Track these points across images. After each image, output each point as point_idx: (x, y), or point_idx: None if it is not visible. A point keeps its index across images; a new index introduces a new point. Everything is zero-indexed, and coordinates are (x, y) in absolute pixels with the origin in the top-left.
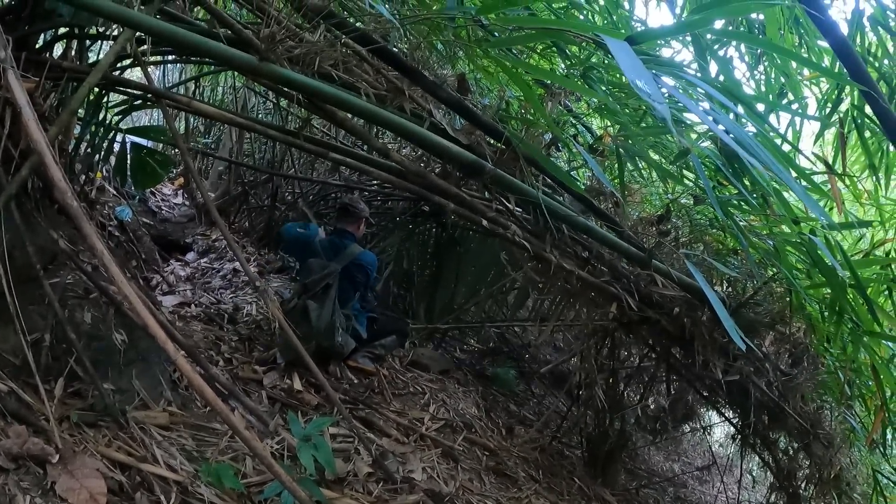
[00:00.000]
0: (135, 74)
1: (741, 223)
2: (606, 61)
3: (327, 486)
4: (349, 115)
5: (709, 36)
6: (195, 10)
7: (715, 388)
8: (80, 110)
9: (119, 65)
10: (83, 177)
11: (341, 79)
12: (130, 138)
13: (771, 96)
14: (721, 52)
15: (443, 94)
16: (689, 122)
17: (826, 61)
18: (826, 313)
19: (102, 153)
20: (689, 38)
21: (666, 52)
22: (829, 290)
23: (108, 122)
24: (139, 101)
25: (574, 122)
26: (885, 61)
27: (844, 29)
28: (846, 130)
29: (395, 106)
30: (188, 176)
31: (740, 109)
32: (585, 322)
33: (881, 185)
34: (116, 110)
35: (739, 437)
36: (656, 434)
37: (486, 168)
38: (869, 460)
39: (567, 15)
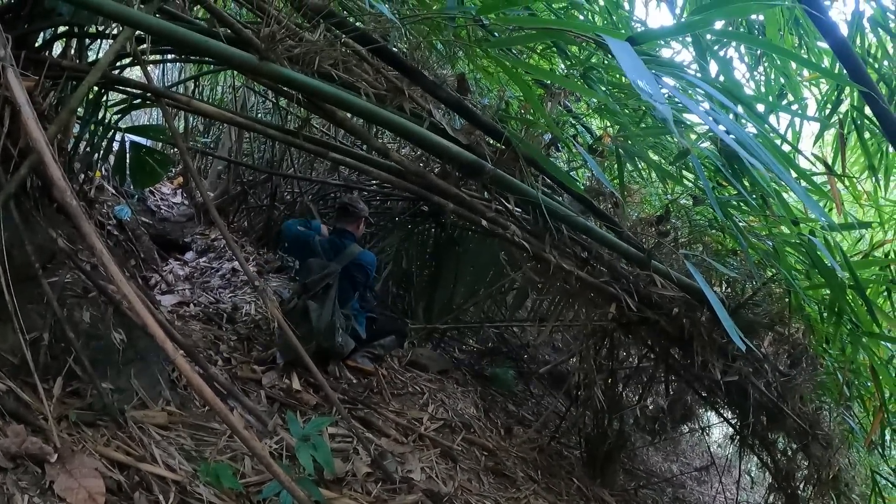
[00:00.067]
0: (134, 73)
1: (740, 224)
2: (606, 62)
3: (326, 485)
4: (349, 115)
5: (709, 36)
6: (195, 9)
7: (714, 389)
8: (79, 109)
9: (118, 64)
10: (82, 176)
11: (341, 78)
12: (130, 137)
13: (771, 97)
14: (721, 53)
15: (442, 94)
16: (688, 122)
17: (826, 62)
18: (825, 314)
19: (101, 152)
20: (689, 39)
21: (666, 53)
22: (828, 291)
23: (107, 120)
24: (138, 100)
25: (574, 122)
26: (885, 62)
27: (844, 30)
28: (846, 131)
29: (394, 106)
30: (187, 175)
31: (740, 110)
32: (584, 322)
33: (880, 186)
34: (116, 109)
35: (738, 437)
36: (655, 434)
37: (486, 168)
38: (867, 461)
39: (567, 15)
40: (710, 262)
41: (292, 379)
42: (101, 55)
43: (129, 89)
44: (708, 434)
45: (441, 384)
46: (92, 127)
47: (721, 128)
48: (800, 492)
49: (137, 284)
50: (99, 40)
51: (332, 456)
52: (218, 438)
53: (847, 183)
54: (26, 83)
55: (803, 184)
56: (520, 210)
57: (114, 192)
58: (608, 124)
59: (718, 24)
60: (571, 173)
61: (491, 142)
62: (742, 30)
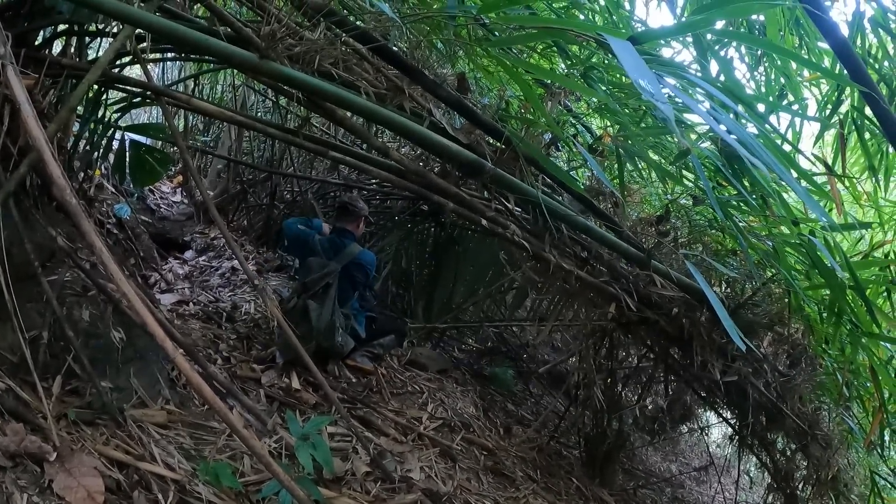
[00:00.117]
0: (134, 72)
1: (740, 224)
2: (607, 61)
3: (325, 485)
4: (349, 114)
5: (709, 36)
6: (195, 7)
7: (713, 389)
8: (79, 107)
9: (118, 62)
10: (82, 174)
11: (341, 77)
12: (129, 136)
13: (771, 97)
14: (721, 53)
15: (443, 93)
16: (689, 122)
17: (826, 63)
18: (825, 314)
19: (101, 150)
20: (689, 39)
21: (666, 53)
22: (828, 292)
23: (107, 119)
24: (138, 99)
25: (574, 121)
26: (886, 63)
27: (845, 31)
28: (846, 132)
29: (394, 105)
30: (187, 174)
31: (741, 109)
32: (584, 322)
33: (880, 186)
34: (115, 108)
35: (737, 437)
36: (654, 434)
37: (486, 167)
38: (866, 462)
39: (568, 14)
40: (709, 262)
41: (292, 378)
42: (100, 53)
43: (128, 88)
44: (707, 434)
45: (440, 383)
46: (92, 125)
47: (722, 127)
48: (799, 492)
49: (137, 283)
50: (99, 38)
51: (332, 455)
52: (217, 437)
53: (847, 183)
54: (26, 81)
55: (804, 184)
56: (520, 209)
57: (113, 190)
58: (608, 124)
59: (719, 24)
60: (571, 173)
61: (491, 141)
62: (742, 30)
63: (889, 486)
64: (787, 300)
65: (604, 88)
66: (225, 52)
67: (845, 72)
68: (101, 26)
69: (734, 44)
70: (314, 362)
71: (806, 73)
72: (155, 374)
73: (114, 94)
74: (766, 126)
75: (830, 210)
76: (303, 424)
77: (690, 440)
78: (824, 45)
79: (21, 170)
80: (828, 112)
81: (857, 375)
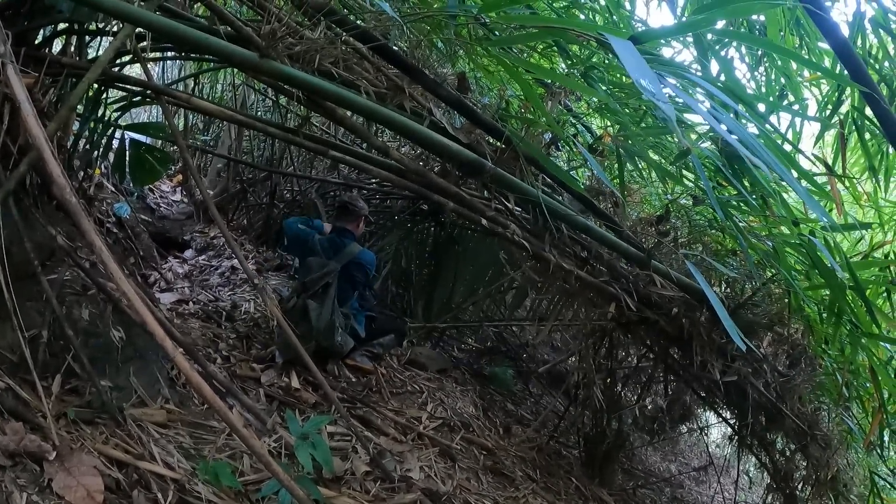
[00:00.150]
0: (134, 71)
1: (741, 224)
2: (607, 61)
3: (325, 484)
4: (349, 113)
5: (710, 36)
6: (195, 6)
7: (713, 389)
8: (79, 106)
9: (118, 61)
10: (82, 173)
11: (341, 76)
12: (129, 135)
13: (771, 97)
14: (722, 53)
15: (443, 93)
16: (689, 122)
17: (827, 63)
18: (825, 315)
19: (101, 149)
20: (690, 39)
21: (666, 52)
22: (827, 292)
23: (107, 118)
24: (138, 98)
25: (574, 121)
26: (886, 63)
27: (845, 31)
28: (846, 132)
29: (395, 104)
30: (187, 173)
31: (742, 109)
32: (584, 322)
33: (881, 187)
34: (115, 107)
35: (736, 437)
36: (654, 434)
37: (486, 167)
38: (866, 462)
39: (568, 14)
40: (709, 262)
41: (291, 377)
42: (100, 52)
43: (128, 87)
44: (706, 434)
45: (440, 383)
46: (92, 124)
47: (723, 127)
48: (798, 492)
49: (136, 282)
50: (99, 37)
51: (331, 454)
52: (217, 436)
53: (847, 184)
54: (26, 80)
55: (805, 184)
56: (520, 209)
57: (113, 189)
58: (608, 124)
59: (719, 24)
60: (571, 173)
61: (491, 140)
62: (743, 30)
63: (888, 486)
64: (786, 300)
65: (604, 88)
66: (225, 51)
67: (846, 72)
68: (101, 25)
69: (734, 44)
70: (314, 362)
71: (806, 73)
72: (154, 374)
73: (114, 93)
74: (767, 126)
75: (831, 210)
76: (302, 424)
77: (690, 440)
78: (825, 45)
79: (21, 168)
80: (828, 112)
81: (856, 376)
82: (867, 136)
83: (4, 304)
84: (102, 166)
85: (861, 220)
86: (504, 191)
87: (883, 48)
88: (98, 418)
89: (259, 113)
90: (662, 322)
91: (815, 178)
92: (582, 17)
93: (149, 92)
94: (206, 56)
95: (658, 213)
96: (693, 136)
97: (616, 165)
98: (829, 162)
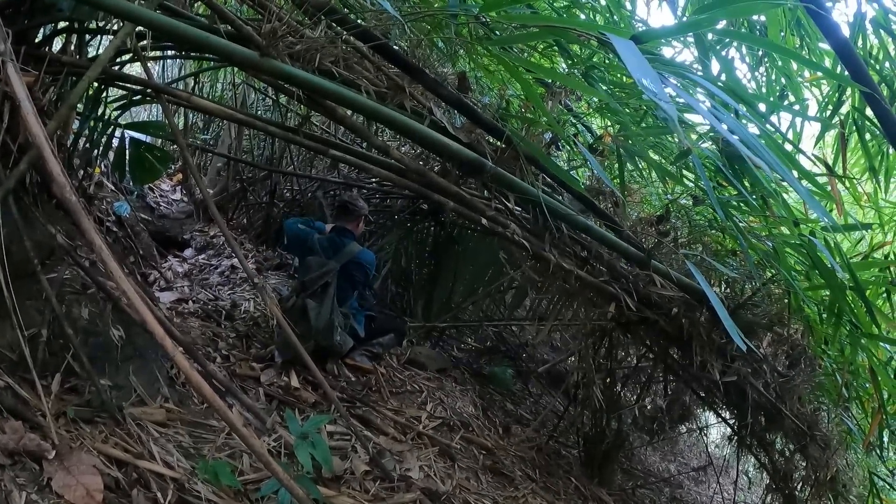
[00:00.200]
0: (134, 69)
1: (741, 224)
2: (608, 61)
3: (324, 483)
4: (349, 112)
5: (710, 36)
6: (195, 5)
7: (712, 389)
8: (79, 105)
9: (118, 59)
10: (81, 172)
11: (342, 75)
12: (129, 133)
13: (772, 98)
14: (722, 53)
15: (443, 92)
16: (689, 122)
17: (827, 63)
18: (824, 315)
19: (101, 148)
20: (691, 39)
21: (667, 52)
22: (827, 292)
23: (107, 117)
24: (138, 97)
25: (574, 121)
26: (887, 64)
27: (846, 32)
28: (847, 132)
29: (395, 103)
30: (187, 172)
31: (743, 109)
32: (583, 322)
33: (881, 187)
34: (115, 105)
35: (736, 438)
36: (653, 434)
37: (487, 166)
38: (865, 462)
39: (569, 14)
40: (710, 262)
41: (291, 376)
42: (101, 51)
43: (129, 85)
44: (706, 434)
45: (439, 383)
46: (91, 123)
47: (724, 127)
48: (797, 492)
49: (136, 281)
50: (99, 36)
51: (331, 454)
52: (216, 436)
53: (847, 184)
54: (26, 78)
55: (806, 184)
56: (520, 209)
57: (113, 188)
58: (609, 123)
59: (720, 24)
60: (572, 172)
61: (491, 140)
62: (743, 30)
63: (887, 486)
64: (786, 301)
65: (605, 88)
66: (226, 49)
67: (846, 72)
68: (101, 24)
69: (735, 44)
70: (313, 361)
71: (807, 73)
72: (154, 373)
73: (114, 92)
74: (768, 126)
75: (831, 211)
76: (302, 423)
77: (689, 440)
78: (825, 45)
79: (21, 167)
80: (828, 113)
81: (856, 376)
82: (867, 136)
83: (4, 302)
84: (102, 165)
85: (861, 221)
86: (504, 190)
87: (884, 49)
88: (97, 417)
89: (259, 112)
90: (662, 322)
91: (815, 178)
92: (582, 16)
93: (149, 90)
94: (207, 55)
95: (658, 213)
96: (693, 136)
97: (616, 165)
98: (830, 162)
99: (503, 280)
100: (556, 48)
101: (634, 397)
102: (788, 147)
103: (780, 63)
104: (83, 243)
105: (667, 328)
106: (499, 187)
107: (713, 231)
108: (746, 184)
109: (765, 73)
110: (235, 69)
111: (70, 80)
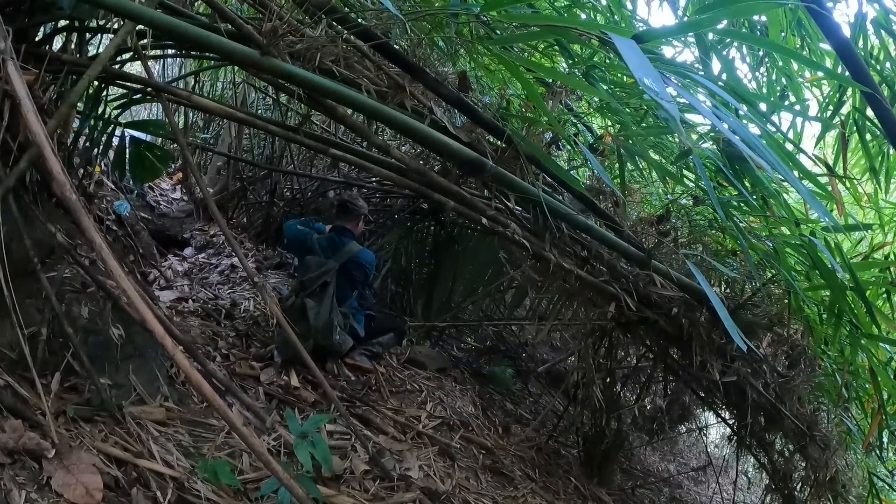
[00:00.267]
0: (135, 68)
1: (741, 224)
2: (608, 60)
3: (324, 483)
4: (349, 111)
5: (711, 36)
6: (196, 4)
7: (712, 389)
8: (79, 103)
9: (119, 58)
10: (82, 170)
11: (342, 74)
12: (129, 132)
13: (772, 98)
14: (723, 53)
15: (444, 92)
16: (690, 122)
17: (828, 64)
18: (824, 315)
19: (101, 147)
20: (691, 39)
21: (667, 52)
22: (827, 293)
23: (107, 115)
24: (139, 95)
25: (575, 121)
26: (888, 64)
27: (847, 32)
28: (847, 133)
29: (395, 102)
30: (187, 171)
31: (743, 108)
32: (583, 321)
33: (881, 188)
34: (116, 104)
35: (735, 438)
36: (653, 434)
37: (487, 165)
38: (865, 463)
39: (569, 13)
40: (710, 262)
41: (291, 376)
42: (101, 50)
43: (129, 84)
44: (705, 434)
45: (439, 382)
46: (92, 121)
47: (725, 126)
48: (797, 493)
49: (136, 280)
50: (99, 35)
51: (331, 453)
52: (216, 435)
53: (848, 184)
54: (26, 77)
55: (808, 184)
56: (520, 208)
57: (113, 187)
58: (609, 123)
59: (721, 25)
60: (572, 172)
61: (492, 139)
62: (744, 30)
63: (887, 487)
64: (786, 301)
65: (605, 87)
66: (226, 48)
67: (847, 72)
68: (101, 22)
69: (735, 44)
70: (313, 361)
71: (807, 73)
72: (154, 371)
73: (114, 91)
74: (769, 126)
75: (832, 211)
76: (302, 422)
77: (689, 440)
78: (826, 46)
79: (21, 165)
80: (829, 113)
81: (856, 377)
82: (868, 136)
83: (4, 301)
84: (102, 164)
85: (862, 221)
86: (504, 190)
87: (884, 49)
88: (97, 416)
89: (259, 111)
90: (662, 322)
91: (817, 178)
92: (583, 16)
93: (149, 89)
94: (207, 54)
95: (658, 213)
96: (694, 136)
97: (617, 165)
98: (830, 163)
99: (503, 280)
100: (556, 48)
101: (634, 397)
102: (789, 147)
103: (780, 63)
104: (83, 242)
105: (667, 328)
106: (499, 187)
107: (713, 231)
108: (747, 184)
109: (765, 74)
110: (236, 68)
111: (70, 78)
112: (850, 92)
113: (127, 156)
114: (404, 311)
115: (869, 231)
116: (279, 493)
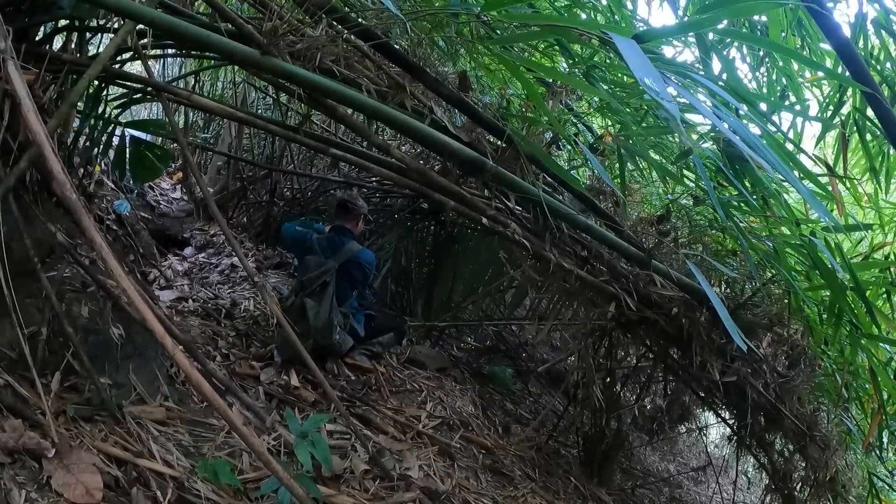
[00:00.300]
0: (135, 68)
1: (741, 224)
2: (609, 60)
3: (324, 482)
4: (350, 111)
5: (711, 36)
6: (196, 3)
7: (712, 389)
8: (79, 103)
9: (119, 58)
10: (82, 170)
11: (342, 74)
12: (129, 132)
13: (773, 98)
14: (723, 53)
15: (444, 91)
16: (690, 122)
17: (828, 64)
18: (825, 315)
19: (101, 146)
20: (692, 39)
21: (667, 52)
22: (828, 293)
23: (107, 115)
24: (139, 95)
25: (575, 120)
26: (888, 64)
27: (847, 32)
28: (847, 133)
29: (396, 102)
30: (187, 170)
31: (744, 108)
32: (583, 321)
33: (881, 188)
34: (116, 103)
35: (735, 438)
36: (653, 434)
37: (487, 165)
38: (865, 463)
39: (570, 13)
40: (710, 262)
41: (291, 375)
42: (101, 49)
43: (129, 83)
44: (705, 434)
45: (439, 382)
46: (92, 121)
47: (726, 126)
48: (797, 493)
49: (136, 280)
50: (100, 34)
51: (330, 453)
52: (216, 434)
53: (848, 185)
54: (27, 76)
55: (808, 184)
56: (520, 208)
57: (113, 186)
58: (610, 123)
59: (721, 24)
60: (572, 172)
61: (492, 139)
62: (744, 30)
63: (887, 487)
64: (786, 301)
65: (606, 87)
66: (226, 48)
67: (847, 73)
68: (102, 22)
69: (736, 44)
70: (313, 360)
71: (808, 73)
72: (154, 371)
73: (114, 90)
74: (769, 126)
75: (832, 211)
76: (302, 422)
77: (689, 440)
78: (826, 46)
79: (21, 165)
80: (829, 113)
81: (856, 377)
82: (868, 136)
83: (4, 300)
84: (102, 163)
85: (862, 221)
86: (505, 190)
87: (885, 49)
88: (97, 416)
89: (259, 111)
90: (662, 322)
91: (817, 178)
92: (584, 16)
93: (149, 89)
94: (207, 53)
95: (659, 213)
96: (694, 136)
97: (617, 165)
98: (831, 163)
99: (503, 279)
100: (557, 47)
101: (634, 397)
102: (790, 147)
103: (781, 63)
104: (83, 241)
105: (667, 328)
106: (499, 186)
107: (713, 231)
108: (747, 184)
109: (766, 74)
110: (236, 68)
111: (70, 78)
112: (850, 92)
113: (127, 155)
114: (404, 311)
115: (869, 231)
116: (279, 492)
